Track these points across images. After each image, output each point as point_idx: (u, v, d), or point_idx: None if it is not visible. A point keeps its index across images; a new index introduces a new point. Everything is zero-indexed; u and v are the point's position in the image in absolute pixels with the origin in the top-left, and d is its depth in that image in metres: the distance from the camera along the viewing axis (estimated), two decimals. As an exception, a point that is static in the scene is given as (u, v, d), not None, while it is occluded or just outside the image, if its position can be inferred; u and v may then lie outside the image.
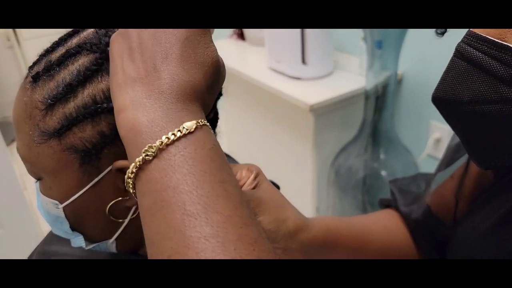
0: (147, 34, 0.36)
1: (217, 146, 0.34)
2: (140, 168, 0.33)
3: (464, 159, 0.58)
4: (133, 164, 0.33)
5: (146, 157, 0.32)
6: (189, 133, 0.33)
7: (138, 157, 0.32)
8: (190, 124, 0.33)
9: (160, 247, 0.30)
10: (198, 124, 0.33)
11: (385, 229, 0.63)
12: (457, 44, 0.39)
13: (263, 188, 0.48)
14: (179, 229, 0.29)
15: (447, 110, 0.41)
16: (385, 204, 0.69)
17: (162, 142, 0.32)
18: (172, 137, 0.32)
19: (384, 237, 0.62)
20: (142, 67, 0.35)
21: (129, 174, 0.33)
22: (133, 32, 0.37)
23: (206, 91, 0.36)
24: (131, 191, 0.35)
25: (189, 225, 0.29)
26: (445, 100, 0.40)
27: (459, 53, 0.38)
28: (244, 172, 0.48)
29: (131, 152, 0.33)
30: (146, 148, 0.32)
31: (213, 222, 0.29)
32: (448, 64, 0.40)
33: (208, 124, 0.35)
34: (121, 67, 0.36)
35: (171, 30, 0.36)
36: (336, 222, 0.57)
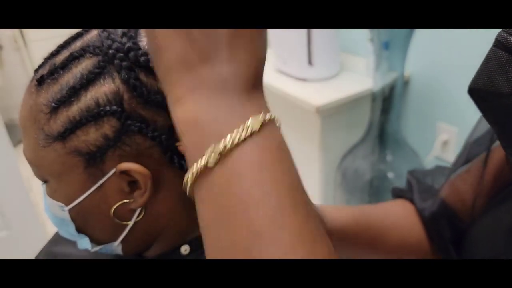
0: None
1: (283, 143, 0.32)
2: (200, 174, 0.30)
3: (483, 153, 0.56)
4: (194, 169, 0.30)
5: (209, 163, 0.30)
6: (255, 132, 0.30)
7: (200, 158, 0.30)
8: (255, 122, 0.30)
9: None
10: (264, 121, 0.31)
11: (399, 225, 0.62)
12: (498, 34, 0.36)
13: None
14: (245, 250, 0.28)
15: (485, 103, 0.39)
16: (398, 194, 0.68)
17: (225, 147, 0.29)
18: (237, 139, 0.29)
19: (398, 234, 0.61)
20: (198, 48, 0.31)
21: (188, 179, 0.31)
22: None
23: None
24: (187, 192, 0.33)
25: (255, 246, 0.28)
26: (483, 92, 0.38)
27: (499, 43, 0.36)
28: None
29: (191, 152, 0.31)
30: (209, 153, 0.29)
31: (281, 242, 0.28)
32: (487, 54, 0.37)
33: (273, 116, 0.32)
34: (172, 49, 0.32)
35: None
36: (350, 221, 0.56)
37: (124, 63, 0.40)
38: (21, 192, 1.70)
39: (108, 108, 0.40)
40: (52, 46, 0.45)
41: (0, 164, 1.61)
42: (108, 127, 0.40)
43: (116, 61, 0.40)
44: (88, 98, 0.40)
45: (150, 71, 0.40)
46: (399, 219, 0.63)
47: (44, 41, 2.86)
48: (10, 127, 1.75)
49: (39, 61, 0.45)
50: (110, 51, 0.40)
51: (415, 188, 0.64)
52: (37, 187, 2.56)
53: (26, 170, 2.37)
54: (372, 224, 0.59)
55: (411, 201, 0.64)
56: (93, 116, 0.40)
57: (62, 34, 0.45)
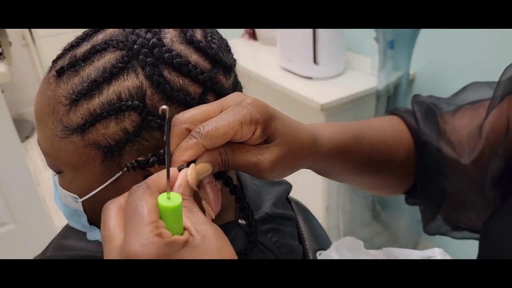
0: None
1: None
2: None
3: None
4: None
5: None
6: None
7: None
8: None
9: None
10: None
11: (394, 138, 0.57)
12: None
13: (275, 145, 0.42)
14: None
15: None
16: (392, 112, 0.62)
17: None
18: None
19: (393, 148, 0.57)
20: None
21: None
22: None
23: None
24: None
25: None
26: None
27: None
28: (245, 129, 0.40)
29: None
30: None
31: None
32: None
33: None
34: None
35: None
36: (346, 141, 0.52)
37: (148, 59, 0.40)
38: (28, 186, 1.71)
39: (130, 102, 0.40)
40: (61, 42, 0.45)
41: (9, 159, 1.63)
42: (128, 121, 0.40)
43: (141, 57, 0.40)
44: (111, 92, 0.40)
45: (173, 68, 0.41)
46: (391, 128, 0.58)
47: (52, 37, 2.87)
48: (18, 122, 1.77)
49: (48, 57, 0.45)
50: (135, 46, 0.40)
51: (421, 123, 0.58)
52: (45, 181, 2.57)
53: (33, 164, 2.39)
54: (365, 141, 0.54)
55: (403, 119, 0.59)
56: (114, 110, 0.40)
57: (72, 31, 0.44)
